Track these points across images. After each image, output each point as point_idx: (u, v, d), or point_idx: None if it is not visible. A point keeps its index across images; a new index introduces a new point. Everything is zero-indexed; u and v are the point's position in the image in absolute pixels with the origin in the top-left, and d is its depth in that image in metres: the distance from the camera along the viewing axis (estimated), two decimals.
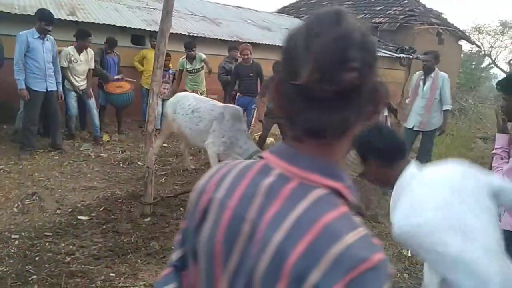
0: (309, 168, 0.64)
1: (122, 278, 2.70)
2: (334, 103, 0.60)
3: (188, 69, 6.77)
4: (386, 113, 5.51)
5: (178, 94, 4.99)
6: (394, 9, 13.93)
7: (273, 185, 0.65)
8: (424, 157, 4.91)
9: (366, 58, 0.62)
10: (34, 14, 5.75)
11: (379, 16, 13.87)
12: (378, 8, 14.45)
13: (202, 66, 6.84)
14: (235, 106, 4.59)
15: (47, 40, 5.07)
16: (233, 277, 0.66)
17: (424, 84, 5.00)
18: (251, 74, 6.15)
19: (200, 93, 6.84)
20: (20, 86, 4.86)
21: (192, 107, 4.49)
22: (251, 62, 6.18)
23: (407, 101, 5.39)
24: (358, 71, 0.60)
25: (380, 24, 13.41)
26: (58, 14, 6.75)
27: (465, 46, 15.81)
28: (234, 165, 0.74)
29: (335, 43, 0.60)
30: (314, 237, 0.58)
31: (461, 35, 15.12)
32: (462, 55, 17.33)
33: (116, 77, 6.27)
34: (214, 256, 0.68)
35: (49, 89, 5.11)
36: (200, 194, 0.74)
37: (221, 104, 4.67)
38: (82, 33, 5.72)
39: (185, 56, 6.74)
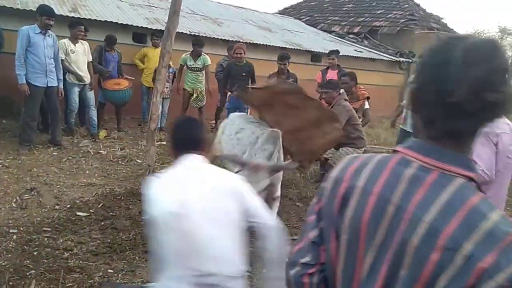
0: (451, 161, 0.80)
1: (120, 275, 2.72)
2: (474, 114, 0.77)
3: (190, 66, 6.76)
4: (367, 106, 5.45)
5: (232, 115, 4.05)
6: (394, 13, 13.99)
7: (415, 175, 0.80)
8: None
9: (509, 83, 0.79)
10: (36, 9, 5.76)
11: (380, 19, 13.93)
12: (379, 11, 14.51)
13: (203, 67, 6.85)
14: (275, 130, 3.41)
15: (49, 36, 5.09)
16: (378, 250, 0.81)
17: None
18: (244, 74, 6.16)
19: (199, 91, 6.87)
20: (21, 81, 4.87)
21: (237, 128, 3.65)
22: (244, 61, 6.19)
23: (402, 103, 5.41)
24: (502, 93, 0.76)
25: (380, 28, 13.48)
26: (60, 10, 6.75)
27: None
28: (367, 159, 0.90)
29: (490, 75, 0.75)
30: (465, 215, 0.73)
31: None
32: None
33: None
34: (359, 234, 0.84)
35: (49, 85, 5.11)
36: (336, 183, 0.91)
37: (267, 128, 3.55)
38: (73, 22, 5.81)
39: (189, 52, 6.74)
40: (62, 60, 5.47)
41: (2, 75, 5.65)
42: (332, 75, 6.23)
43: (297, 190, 4.75)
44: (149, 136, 3.71)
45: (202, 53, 6.76)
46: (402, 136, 4.98)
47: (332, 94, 4.39)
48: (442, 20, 15.40)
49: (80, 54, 5.72)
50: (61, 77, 5.36)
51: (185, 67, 6.83)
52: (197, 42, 6.84)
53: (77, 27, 5.70)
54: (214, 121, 7.94)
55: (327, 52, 6.63)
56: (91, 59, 5.92)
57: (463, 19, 47.06)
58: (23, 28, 4.96)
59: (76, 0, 7.84)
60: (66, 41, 5.65)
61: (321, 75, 6.47)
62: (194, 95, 6.84)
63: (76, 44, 5.70)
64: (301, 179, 5.24)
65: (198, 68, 6.78)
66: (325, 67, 6.48)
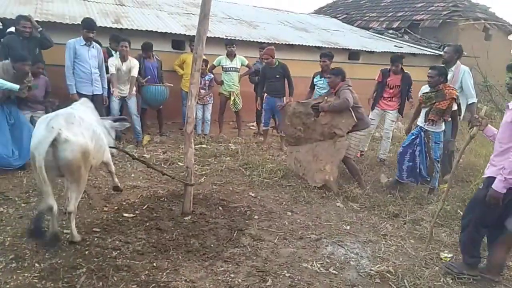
0: None
1: (164, 273, 2.81)
2: None
3: (225, 67, 6.84)
4: (455, 107, 4.98)
5: None
6: (436, 5, 13.39)
7: None
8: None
9: None
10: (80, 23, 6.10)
11: (420, 13, 13.39)
12: (419, 4, 13.95)
13: (239, 69, 6.92)
14: None
15: (93, 47, 5.40)
16: None
17: None
18: (277, 76, 6.28)
19: (236, 94, 6.94)
20: (72, 91, 5.20)
21: None
22: (276, 63, 6.28)
23: (479, 105, 5.05)
24: None
25: (421, 21, 12.95)
26: (104, 22, 7.13)
27: None
28: None
29: None
30: None
31: (511, 29, 14.23)
32: None
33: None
34: None
35: (95, 93, 5.43)
36: None
37: None
38: (114, 38, 6.12)
39: (225, 54, 6.86)
40: (113, 74, 5.79)
41: (55, 86, 6.02)
42: (394, 79, 5.87)
43: (341, 190, 4.66)
44: (186, 139, 3.79)
45: (235, 51, 6.82)
46: None
47: (335, 80, 4.81)
48: (490, 10, 14.51)
49: (123, 73, 5.96)
50: (106, 86, 5.65)
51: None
52: (228, 41, 6.93)
53: (120, 42, 5.93)
54: (254, 124, 8.01)
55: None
56: (135, 75, 6.08)
57: None
58: (70, 41, 5.30)
59: (119, 12, 8.25)
60: (116, 59, 5.92)
61: (381, 76, 6.01)
62: (232, 98, 6.92)
63: (123, 63, 5.94)
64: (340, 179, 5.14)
65: (235, 68, 6.83)
66: (387, 69, 5.99)
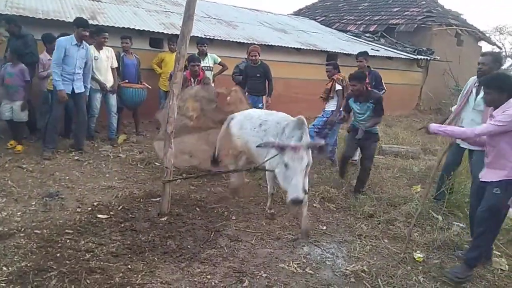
0: None
1: (139, 276, 2.76)
2: None
3: None
4: (339, 87, 5.70)
5: (244, 111, 4.41)
6: (411, 10, 13.77)
7: None
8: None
9: None
10: (56, 19, 5.94)
11: (396, 17, 13.73)
12: (395, 9, 14.30)
13: (212, 67, 6.88)
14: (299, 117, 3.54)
15: (83, 47, 5.26)
16: None
17: (477, 93, 3.94)
18: (258, 75, 6.35)
19: None
20: (59, 87, 5.04)
21: (260, 120, 3.94)
22: (259, 63, 6.34)
23: (452, 108, 4.59)
24: None
25: (397, 26, 13.27)
26: None
27: (486, 47, 15.43)
28: None
29: None
30: None
31: (481, 36, 14.81)
32: None
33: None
34: None
35: (76, 91, 5.28)
36: None
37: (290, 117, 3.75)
38: (97, 29, 5.93)
39: (196, 53, 6.80)
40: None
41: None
42: None
43: (317, 192, 4.72)
44: (165, 139, 3.75)
45: (206, 50, 6.79)
46: (452, 152, 4.20)
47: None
48: (462, 16, 15.06)
49: (104, 61, 5.85)
50: (88, 84, 5.52)
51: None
52: (200, 41, 6.90)
53: (101, 34, 5.83)
54: None
55: (357, 53, 6.24)
56: (116, 65, 6.03)
57: (484, 15, 45.80)
58: (60, 39, 5.16)
59: (94, 8, 8.05)
60: (90, 48, 5.79)
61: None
62: None
63: (100, 51, 5.83)
64: (315, 179, 5.21)
65: (207, 67, 6.79)
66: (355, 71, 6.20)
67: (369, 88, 4.74)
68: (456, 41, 13.48)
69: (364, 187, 4.82)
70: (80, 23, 5.23)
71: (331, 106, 5.80)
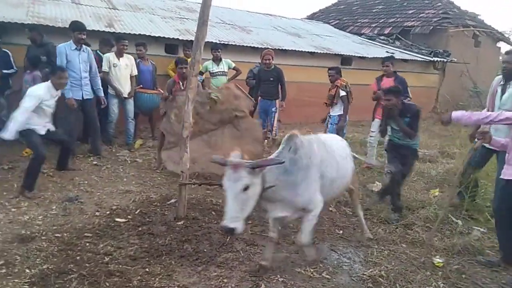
0: None
1: (157, 279, 2.79)
2: None
3: (213, 72, 6.84)
4: (343, 93, 5.77)
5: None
6: (427, 12, 13.60)
7: None
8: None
9: None
10: (68, 26, 6.06)
11: (411, 19, 13.59)
12: (410, 11, 14.15)
13: (227, 72, 6.93)
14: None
15: (83, 51, 5.36)
16: None
17: (503, 92, 3.93)
18: (271, 79, 6.33)
19: None
20: (67, 95, 5.15)
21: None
22: (272, 67, 6.34)
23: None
24: None
25: (412, 28, 13.13)
26: (97, 26, 7.10)
27: (505, 48, 15.10)
28: None
29: None
30: None
31: (500, 36, 14.50)
32: (500, 57, 16.60)
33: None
34: None
35: (85, 97, 5.38)
36: None
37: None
38: (116, 37, 6.09)
39: (211, 58, 6.86)
40: (105, 72, 5.77)
41: None
42: (388, 82, 5.60)
43: None
44: (181, 143, 3.79)
45: (221, 55, 6.83)
46: (479, 154, 4.06)
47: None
48: (479, 17, 14.78)
49: (122, 69, 5.95)
50: (100, 87, 5.60)
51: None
52: (214, 46, 6.94)
53: (120, 41, 5.96)
54: None
55: (383, 58, 6.13)
56: (135, 73, 6.13)
57: (502, 15, 44.80)
58: (60, 45, 5.27)
59: (112, 16, 8.22)
60: (111, 55, 5.91)
61: (376, 83, 5.93)
62: None
63: (120, 59, 5.95)
64: None
65: (222, 72, 6.83)
66: (380, 75, 5.92)
67: (405, 101, 4.27)
68: (474, 43, 13.24)
69: (386, 197, 4.34)
70: (75, 27, 5.32)
71: (337, 111, 5.87)
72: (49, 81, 4.40)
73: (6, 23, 6.08)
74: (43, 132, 4.36)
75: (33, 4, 7.62)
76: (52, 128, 4.54)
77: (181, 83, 5.40)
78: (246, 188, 2.47)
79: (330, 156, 3.11)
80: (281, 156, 2.73)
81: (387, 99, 4.18)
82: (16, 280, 2.65)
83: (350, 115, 6.03)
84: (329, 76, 5.98)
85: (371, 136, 6.08)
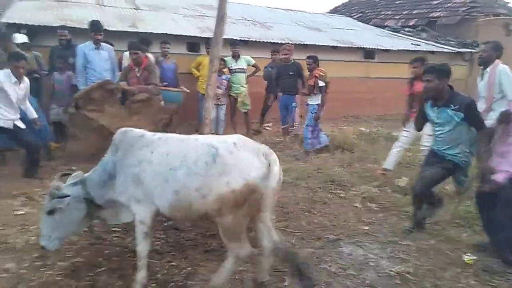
0: None
1: (182, 273, 2.83)
2: None
3: (232, 69, 6.84)
4: (322, 84, 6.00)
5: None
6: (453, 1, 13.17)
7: None
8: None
9: None
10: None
11: (437, 10, 13.19)
12: (436, 1, 13.73)
13: (246, 69, 6.92)
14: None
15: (103, 49, 5.49)
16: None
17: (481, 80, 4.25)
18: (291, 73, 6.28)
19: (244, 95, 6.95)
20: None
21: None
22: (291, 61, 6.28)
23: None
24: None
25: (438, 18, 12.73)
26: (120, 26, 7.25)
27: None
28: None
29: None
30: None
31: None
32: None
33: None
34: None
35: None
36: None
37: None
38: (144, 41, 6.15)
39: (230, 55, 6.88)
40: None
41: None
42: (419, 86, 4.40)
43: (358, 192, 4.62)
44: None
45: (239, 51, 6.88)
46: None
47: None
48: (509, 5, 14.17)
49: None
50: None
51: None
52: (233, 42, 6.93)
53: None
54: (269, 124, 8.05)
55: (411, 60, 5.29)
56: (157, 83, 6.23)
57: None
58: (79, 46, 5.45)
59: (135, 16, 8.38)
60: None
61: (408, 88, 5.11)
62: (239, 99, 6.93)
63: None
64: (355, 178, 5.09)
65: (241, 69, 6.83)
66: (410, 77, 5.10)
67: (453, 89, 3.48)
68: (506, 31, 12.70)
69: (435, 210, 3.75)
70: (92, 28, 5.46)
71: (316, 99, 6.08)
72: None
73: (37, 26, 6.30)
74: (4, 124, 4.39)
75: (60, 7, 7.88)
76: (21, 125, 4.53)
77: (136, 69, 5.21)
78: (51, 212, 2.67)
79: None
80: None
81: (427, 79, 3.39)
82: (49, 272, 2.75)
83: (374, 109, 5.94)
84: (307, 65, 6.07)
85: (403, 137, 5.16)
